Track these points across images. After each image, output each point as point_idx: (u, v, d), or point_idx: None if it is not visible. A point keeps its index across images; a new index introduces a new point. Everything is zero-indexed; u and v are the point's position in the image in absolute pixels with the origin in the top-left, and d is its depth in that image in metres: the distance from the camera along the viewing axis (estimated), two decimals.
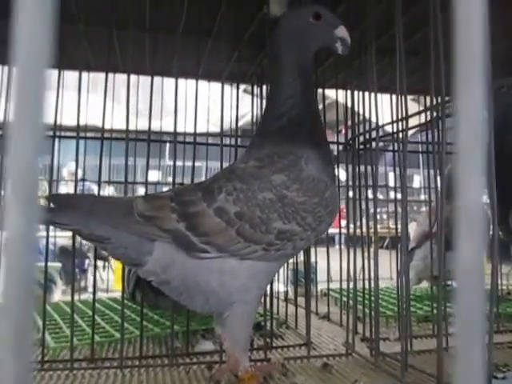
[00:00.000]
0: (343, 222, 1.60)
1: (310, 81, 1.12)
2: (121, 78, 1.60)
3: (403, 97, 1.15)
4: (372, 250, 1.28)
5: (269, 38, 1.30)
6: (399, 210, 1.31)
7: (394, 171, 1.72)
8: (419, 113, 1.21)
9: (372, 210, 1.29)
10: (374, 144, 1.33)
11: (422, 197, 4.49)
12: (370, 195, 1.33)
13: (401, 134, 1.18)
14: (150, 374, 1.18)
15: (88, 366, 1.22)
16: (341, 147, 1.53)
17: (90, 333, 1.30)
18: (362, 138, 1.39)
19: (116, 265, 3.64)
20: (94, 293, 1.36)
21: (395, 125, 1.21)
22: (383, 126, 1.27)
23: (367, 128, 1.32)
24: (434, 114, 1.13)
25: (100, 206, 0.98)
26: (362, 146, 1.40)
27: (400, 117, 1.14)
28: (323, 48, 1.13)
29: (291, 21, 1.11)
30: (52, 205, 0.99)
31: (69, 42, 1.51)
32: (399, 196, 1.29)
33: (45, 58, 0.22)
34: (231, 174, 1.02)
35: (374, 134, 1.31)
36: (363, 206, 1.38)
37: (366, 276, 1.33)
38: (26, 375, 0.21)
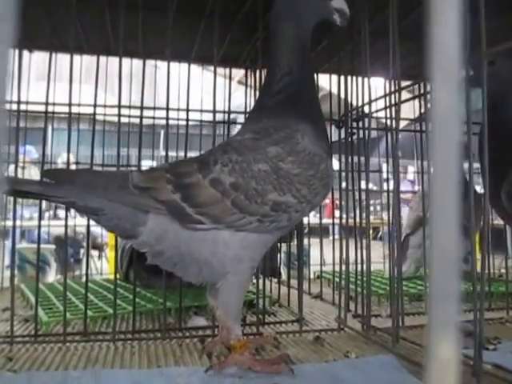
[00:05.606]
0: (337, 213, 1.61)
1: (309, 56, 1.11)
2: (114, 71, 1.59)
3: (396, 74, 1.14)
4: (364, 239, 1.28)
5: (265, 17, 1.29)
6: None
7: (387, 162, 1.73)
8: (413, 84, 1.22)
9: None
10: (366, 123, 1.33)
11: (417, 187, 4.49)
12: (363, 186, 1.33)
13: (394, 109, 1.18)
14: (143, 347, 1.18)
15: (81, 339, 1.22)
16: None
17: (83, 308, 1.30)
18: (354, 117, 1.40)
19: (110, 254, 3.61)
20: (87, 268, 1.36)
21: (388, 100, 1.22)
22: (376, 99, 1.27)
23: (360, 104, 1.32)
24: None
25: (95, 179, 0.98)
26: (354, 124, 1.41)
27: (393, 89, 1.15)
28: (321, 21, 1.11)
29: None
30: (46, 180, 0.99)
31: (60, 24, 1.49)
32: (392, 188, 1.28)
33: (8, 36, 0.22)
34: (227, 147, 1.02)
35: (366, 110, 1.31)
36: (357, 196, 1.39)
37: (359, 260, 1.34)
38: None
